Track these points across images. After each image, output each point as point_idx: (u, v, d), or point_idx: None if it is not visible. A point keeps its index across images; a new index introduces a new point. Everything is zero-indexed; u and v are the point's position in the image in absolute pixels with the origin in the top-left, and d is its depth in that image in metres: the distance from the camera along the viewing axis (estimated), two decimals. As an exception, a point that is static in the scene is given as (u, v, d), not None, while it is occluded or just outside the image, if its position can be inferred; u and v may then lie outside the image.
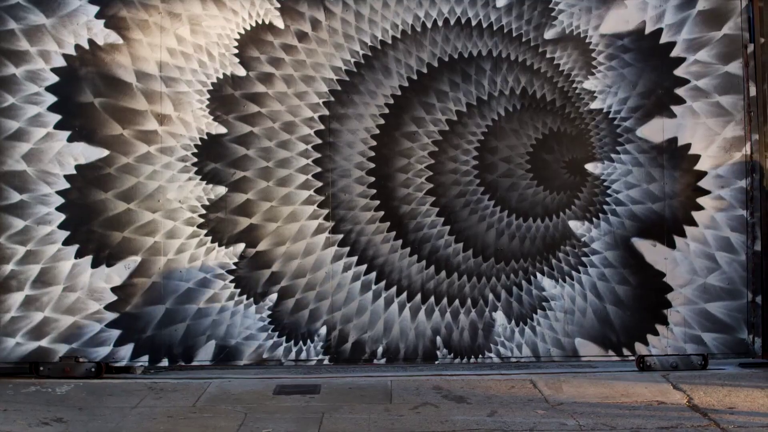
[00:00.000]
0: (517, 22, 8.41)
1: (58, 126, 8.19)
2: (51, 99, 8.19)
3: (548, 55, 8.42)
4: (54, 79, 8.20)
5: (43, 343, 8.20)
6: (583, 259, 8.40)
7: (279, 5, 8.33)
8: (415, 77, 8.41)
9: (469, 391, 7.63)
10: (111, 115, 8.23)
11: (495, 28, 8.41)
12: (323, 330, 8.35)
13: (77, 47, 8.21)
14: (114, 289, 8.23)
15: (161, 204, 8.28)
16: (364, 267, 8.36)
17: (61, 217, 8.20)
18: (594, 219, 8.42)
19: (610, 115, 8.41)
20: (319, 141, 8.35)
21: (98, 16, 8.23)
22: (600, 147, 8.43)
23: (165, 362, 8.32)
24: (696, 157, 8.36)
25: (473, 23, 8.40)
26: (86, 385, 7.93)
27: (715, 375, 8.03)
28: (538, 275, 8.38)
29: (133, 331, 8.26)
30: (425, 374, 8.26)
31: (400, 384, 7.86)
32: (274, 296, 8.35)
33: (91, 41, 8.22)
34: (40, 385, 7.87)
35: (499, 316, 8.41)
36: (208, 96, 8.30)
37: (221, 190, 8.31)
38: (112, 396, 7.55)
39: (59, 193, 8.20)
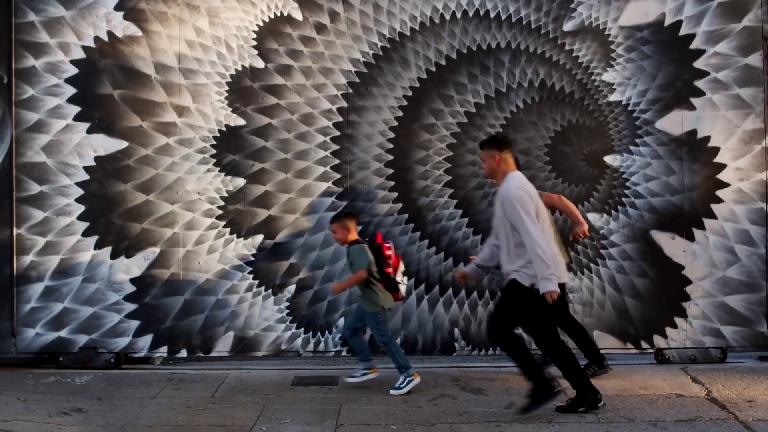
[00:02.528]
0: (536, 13, 8.38)
1: (78, 117, 8.23)
2: (70, 90, 8.23)
3: (567, 47, 8.39)
4: (73, 70, 8.24)
5: (63, 333, 8.25)
6: (602, 251, 8.38)
7: (297, -3, 8.36)
8: (433, 69, 8.39)
9: (487, 383, 7.63)
10: (130, 107, 8.26)
11: (514, 19, 8.38)
12: (341, 321, 8.36)
13: (96, 39, 8.24)
14: (133, 280, 8.27)
15: (180, 195, 8.31)
16: (382, 259, 8.36)
17: (81, 208, 8.24)
18: (613, 211, 8.39)
19: (629, 108, 8.38)
20: (337, 133, 8.36)
21: (117, 8, 8.26)
22: (619, 139, 8.40)
23: (184, 353, 8.36)
24: (715, 150, 8.32)
25: (492, 15, 8.38)
26: (105, 375, 7.98)
27: (734, 368, 8.00)
28: (556, 268, 8.35)
29: (152, 322, 8.30)
30: (443, 366, 8.27)
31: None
32: (292, 288, 8.37)
33: (110, 33, 8.25)
34: (60, 376, 7.93)
35: (517, 309, 8.39)
36: (227, 88, 8.32)
37: (240, 181, 8.33)
38: (131, 386, 7.59)
39: (79, 184, 8.24)
